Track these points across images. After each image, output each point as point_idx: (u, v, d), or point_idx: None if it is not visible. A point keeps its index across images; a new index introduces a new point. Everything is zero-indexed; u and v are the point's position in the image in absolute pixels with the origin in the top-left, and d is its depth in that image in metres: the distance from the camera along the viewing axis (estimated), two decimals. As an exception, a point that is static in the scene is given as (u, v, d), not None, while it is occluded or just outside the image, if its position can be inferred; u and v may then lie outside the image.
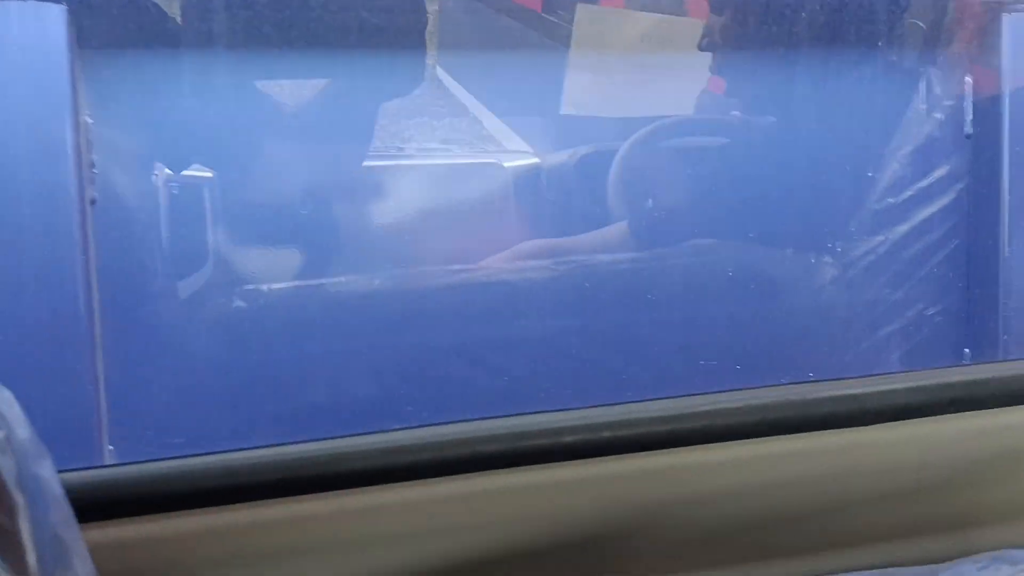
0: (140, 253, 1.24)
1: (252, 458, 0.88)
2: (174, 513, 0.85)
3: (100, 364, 1.10)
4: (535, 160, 1.62)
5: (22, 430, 0.60)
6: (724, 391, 1.06)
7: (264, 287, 1.33)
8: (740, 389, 1.07)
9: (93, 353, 1.09)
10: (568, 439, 0.98)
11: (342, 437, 0.92)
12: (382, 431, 0.95)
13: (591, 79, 1.51)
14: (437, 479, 0.94)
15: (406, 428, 0.97)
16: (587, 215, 1.52)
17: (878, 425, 1.04)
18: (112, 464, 0.90)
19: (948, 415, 1.05)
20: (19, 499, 0.56)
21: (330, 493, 0.90)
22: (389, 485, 0.93)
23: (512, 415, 1.00)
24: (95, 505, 0.81)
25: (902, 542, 1.06)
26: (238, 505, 0.86)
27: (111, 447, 1.09)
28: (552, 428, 0.99)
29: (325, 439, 0.91)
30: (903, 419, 1.04)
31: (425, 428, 0.97)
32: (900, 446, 1.05)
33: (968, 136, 1.47)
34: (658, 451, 1.00)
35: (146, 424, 1.19)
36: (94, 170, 1.16)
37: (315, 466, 0.91)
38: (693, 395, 1.06)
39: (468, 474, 0.95)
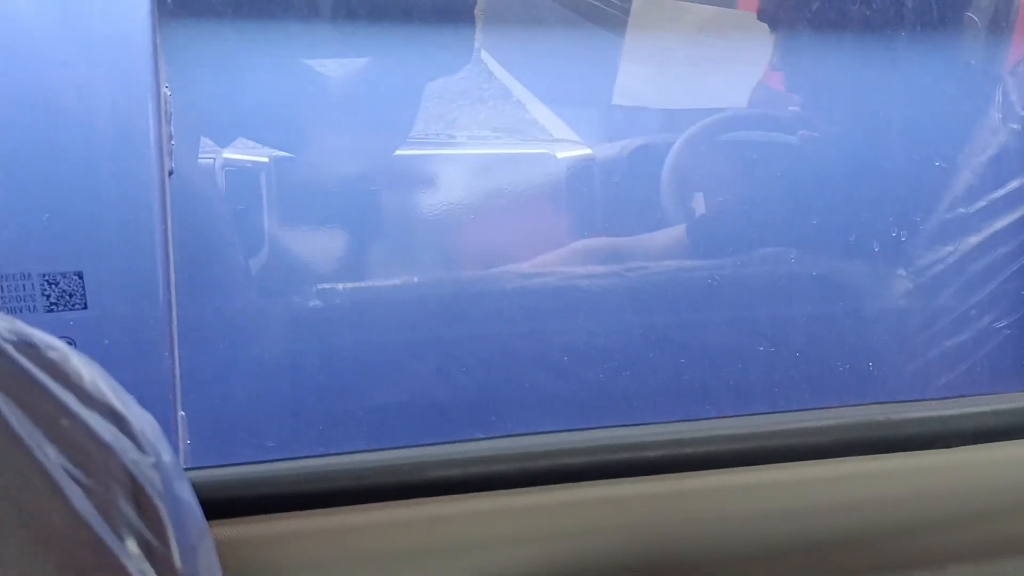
0: (211, 227, 1.23)
1: (368, 461, 0.88)
2: (279, 515, 0.85)
3: (175, 338, 1.09)
4: (588, 151, 1.61)
5: (167, 454, 0.61)
6: (806, 410, 1.06)
7: (319, 271, 1.33)
8: (821, 408, 1.07)
9: (170, 325, 1.07)
10: (651, 454, 0.99)
11: (442, 444, 0.92)
12: (471, 440, 0.96)
13: (646, 70, 1.50)
14: (519, 490, 0.95)
15: (488, 438, 0.97)
16: (645, 210, 1.50)
17: (960, 448, 1.05)
18: (222, 465, 0.89)
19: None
20: (168, 521, 0.57)
21: (420, 500, 0.91)
22: (472, 495, 0.93)
23: (592, 428, 1.01)
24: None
25: (976, 565, 1.07)
26: (357, 506, 0.86)
27: (183, 413, 1.09)
28: (635, 443, 0.99)
29: (427, 445, 0.92)
30: (986, 442, 1.05)
31: (504, 439, 0.97)
32: (981, 468, 1.05)
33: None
34: (739, 468, 1.00)
35: (220, 395, 1.18)
36: (172, 142, 1.15)
37: (409, 472, 0.91)
38: (774, 413, 1.06)
39: (549, 486, 0.95)
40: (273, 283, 1.32)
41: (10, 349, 0.52)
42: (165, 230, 1.09)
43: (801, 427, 1.03)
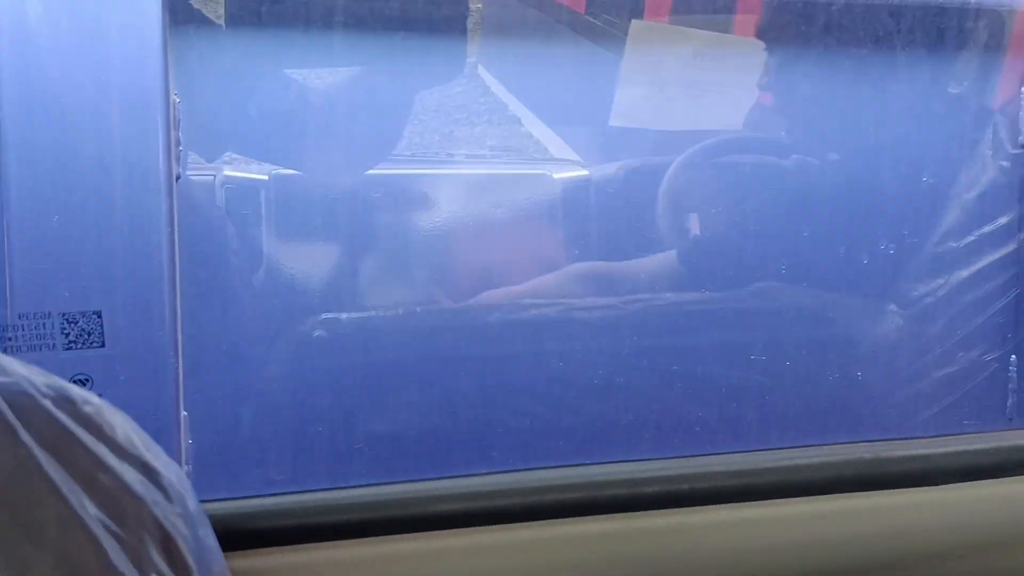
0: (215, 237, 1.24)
1: (376, 495, 0.89)
2: (288, 547, 0.86)
3: (180, 342, 1.09)
4: (584, 172, 1.61)
5: (192, 502, 0.62)
6: (795, 447, 1.08)
7: (308, 290, 1.32)
8: (811, 446, 1.09)
9: (174, 327, 1.08)
10: (648, 490, 1.01)
11: (448, 478, 0.94)
12: (476, 474, 0.98)
13: (643, 92, 1.51)
14: (523, 524, 0.97)
15: (493, 473, 0.99)
16: (641, 232, 1.51)
17: (947, 485, 1.07)
18: (232, 497, 0.90)
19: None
20: (194, 568, 0.59)
21: (427, 533, 0.92)
22: (476, 528, 0.95)
23: (593, 463, 1.02)
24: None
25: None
26: (365, 539, 0.87)
27: (185, 413, 1.09)
28: (633, 479, 1.01)
29: (434, 479, 0.93)
30: (973, 479, 1.07)
31: (509, 474, 0.99)
32: (967, 505, 1.08)
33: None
34: (731, 504, 1.02)
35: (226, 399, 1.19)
36: (179, 147, 1.16)
37: (416, 506, 0.92)
38: (764, 450, 1.08)
39: (552, 520, 0.97)
40: (263, 298, 1.32)
41: (48, 404, 0.53)
42: (172, 233, 1.10)
43: (790, 464, 1.05)
